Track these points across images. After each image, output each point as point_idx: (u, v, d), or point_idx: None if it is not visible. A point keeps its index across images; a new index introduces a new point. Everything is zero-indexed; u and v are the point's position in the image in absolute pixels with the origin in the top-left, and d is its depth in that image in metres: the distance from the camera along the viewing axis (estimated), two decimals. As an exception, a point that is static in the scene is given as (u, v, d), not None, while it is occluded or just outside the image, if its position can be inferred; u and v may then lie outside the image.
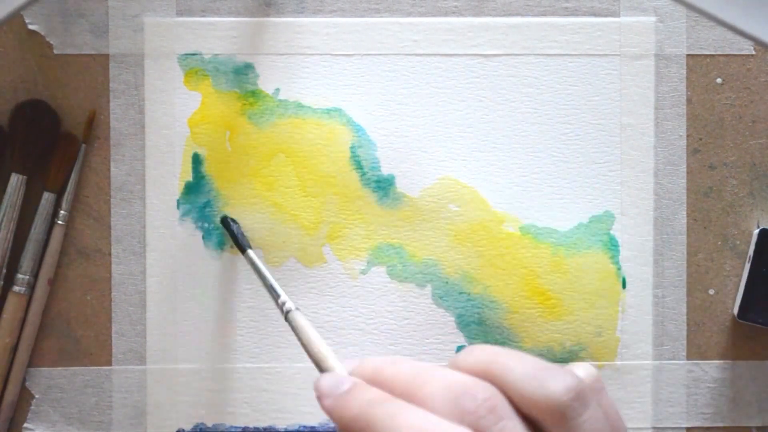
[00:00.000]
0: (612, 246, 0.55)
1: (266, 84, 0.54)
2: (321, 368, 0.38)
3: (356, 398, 0.31)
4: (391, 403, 0.30)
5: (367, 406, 0.30)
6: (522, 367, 0.30)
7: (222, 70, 0.54)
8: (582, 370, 0.32)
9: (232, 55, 0.54)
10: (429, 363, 0.31)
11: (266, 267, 0.49)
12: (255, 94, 0.54)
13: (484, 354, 0.31)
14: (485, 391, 0.30)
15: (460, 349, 0.55)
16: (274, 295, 0.46)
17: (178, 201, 0.54)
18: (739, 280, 0.55)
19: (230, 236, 0.53)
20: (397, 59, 0.55)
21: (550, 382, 0.30)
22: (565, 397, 0.29)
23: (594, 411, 0.30)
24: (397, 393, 0.31)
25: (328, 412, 0.32)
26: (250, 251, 0.51)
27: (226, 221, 0.53)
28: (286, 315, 0.43)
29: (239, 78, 0.54)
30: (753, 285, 0.54)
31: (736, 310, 0.54)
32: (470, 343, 0.55)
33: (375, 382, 0.32)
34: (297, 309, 0.43)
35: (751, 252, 0.54)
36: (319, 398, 0.32)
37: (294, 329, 0.42)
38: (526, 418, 0.30)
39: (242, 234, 0.53)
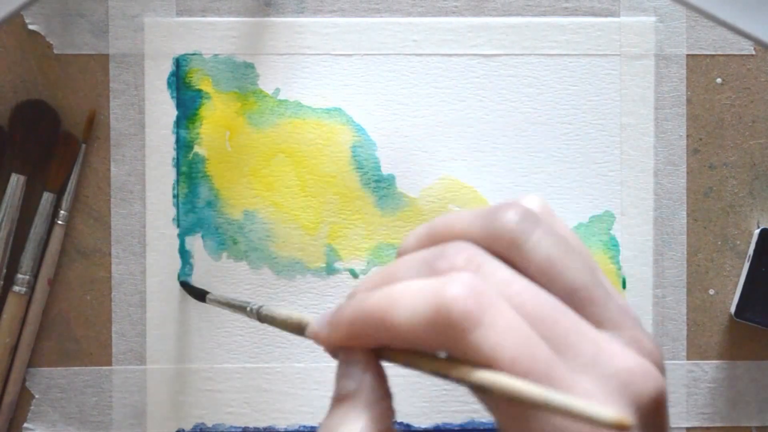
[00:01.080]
0: (612, 246, 0.55)
1: (266, 84, 0.54)
2: (303, 328, 0.35)
3: (345, 309, 0.30)
4: (378, 291, 0.29)
5: (357, 305, 0.29)
6: (463, 216, 0.30)
7: (222, 70, 0.54)
8: (529, 199, 0.31)
9: (232, 55, 0.54)
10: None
11: (224, 297, 0.49)
12: (255, 94, 0.54)
13: (423, 226, 0.31)
14: (454, 245, 0.29)
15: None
16: (242, 310, 0.43)
17: (178, 201, 0.54)
18: (739, 280, 0.55)
19: (189, 293, 0.54)
20: (397, 59, 0.55)
21: (496, 216, 0.29)
22: (511, 223, 0.29)
23: (545, 230, 0.29)
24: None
25: (327, 340, 0.30)
26: (208, 295, 0.51)
27: (184, 284, 0.54)
28: (259, 315, 0.40)
29: (239, 78, 0.54)
30: (751, 284, 0.54)
31: (733, 309, 0.54)
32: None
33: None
34: (262, 305, 0.40)
35: (750, 251, 0.54)
36: (315, 339, 0.31)
37: (270, 320, 0.39)
38: None
39: (192, 286, 0.54)
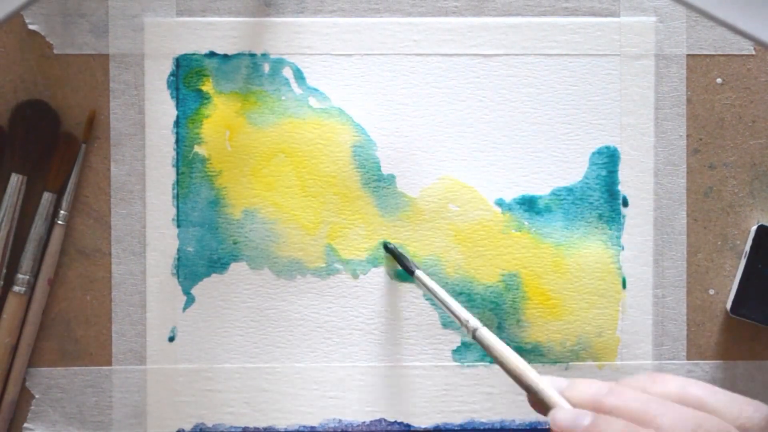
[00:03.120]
0: (612, 246, 0.55)
1: (266, 84, 0.54)
2: (523, 384, 0.40)
3: (609, 429, 0.33)
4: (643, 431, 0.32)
5: None
6: (720, 397, 0.33)
7: (222, 70, 0.54)
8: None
9: (232, 54, 0.54)
10: (650, 397, 0.34)
11: (439, 287, 0.50)
12: (255, 94, 0.54)
13: (676, 383, 0.34)
14: (719, 424, 0.32)
15: (459, 348, 0.55)
16: (455, 316, 0.47)
17: (178, 201, 0.54)
18: (735, 277, 0.55)
19: (397, 260, 0.54)
20: (397, 59, 0.55)
21: (748, 409, 0.33)
22: (763, 423, 0.33)
23: None
24: (635, 424, 0.33)
25: None
26: (418, 272, 0.52)
27: (389, 248, 0.54)
28: (473, 334, 0.44)
29: (239, 78, 0.54)
30: (747, 281, 0.54)
31: (729, 305, 0.54)
32: (469, 342, 0.55)
33: (599, 410, 0.34)
34: (483, 326, 0.44)
35: (747, 248, 0.54)
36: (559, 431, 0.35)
37: (485, 348, 0.43)
38: None
39: (406, 257, 0.53)
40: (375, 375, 0.55)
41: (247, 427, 0.55)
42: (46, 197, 0.53)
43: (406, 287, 0.55)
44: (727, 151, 0.55)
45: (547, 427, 0.55)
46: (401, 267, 0.53)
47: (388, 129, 0.55)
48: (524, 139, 0.55)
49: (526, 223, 0.55)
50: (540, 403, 0.38)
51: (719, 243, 0.55)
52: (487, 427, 0.55)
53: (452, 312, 0.47)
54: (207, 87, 0.54)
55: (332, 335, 0.55)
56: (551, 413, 0.36)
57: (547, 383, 0.38)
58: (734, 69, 0.55)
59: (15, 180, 0.53)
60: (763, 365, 0.55)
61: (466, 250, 0.55)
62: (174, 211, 0.54)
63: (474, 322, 0.45)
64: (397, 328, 0.55)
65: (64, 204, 0.54)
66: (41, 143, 0.53)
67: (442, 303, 0.49)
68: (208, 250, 0.54)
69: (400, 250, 0.54)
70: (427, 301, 0.55)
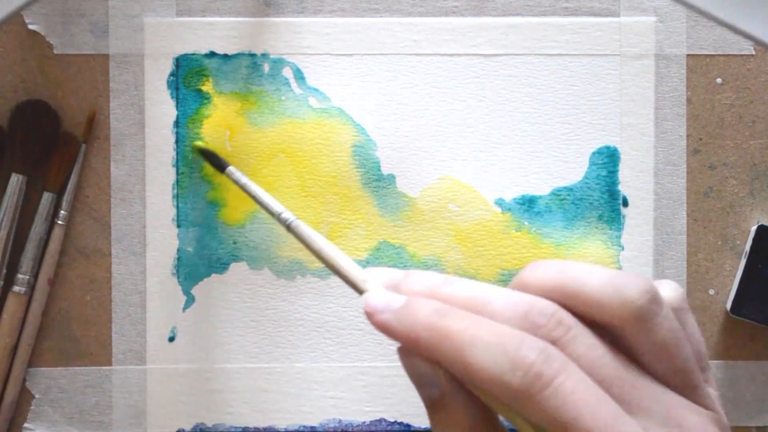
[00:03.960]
0: (612, 246, 0.55)
1: (266, 84, 0.54)
2: (342, 276, 0.36)
3: (420, 310, 0.31)
4: (461, 313, 0.30)
5: (435, 316, 0.30)
6: (596, 278, 0.31)
7: (222, 70, 0.54)
8: (666, 285, 0.33)
9: (232, 54, 0.54)
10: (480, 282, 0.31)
11: (253, 183, 0.48)
12: (255, 94, 0.54)
13: (553, 269, 0.32)
14: (551, 306, 0.30)
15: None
16: (270, 210, 0.44)
17: (178, 201, 0.54)
18: (735, 277, 0.55)
19: (207, 160, 0.52)
20: (397, 59, 0.55)
21: (626, 287, 0.30)
22: (640, 300, 0.30)
23: (666, 315, 0.31)
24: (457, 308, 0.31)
25: (385, 327, 0.31)
26: (230, 168, 0.50)
27: (201, 150, 0.53)
28: (288, 226, 0.42)
29: (239, 78, 0.54)
30: (747, 281, 0.54)
31: (729, 305, 0.54)
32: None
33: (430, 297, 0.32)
34: (296, 219, 0.42)
35: (747, 248, 0.54)
36: (371, 314, 0.32)
37: (301, 241, 0.40)
38: (597, 326, 0.31)
39: (216, 155, 0.52)
40: (375, 375, 0.55)
41: (247, 427, 0.55)
42: (46, 197, 0.53)
43: (406, 287, 0.55)
44: (727, 151, 0.55)
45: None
46: (212, 165, 0.52)
47: (388, 129, 0.55)
48: (524, 139, 0.55)
49: (526, 223, 0.55)
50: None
51: (719, 243, 0.55)
52: (487, 427, 0.55)
53: (264, 206, 0.45)
54: (207, 87, 0.54)
55: (332, 335, 0.55)
56: (364, 296, 0.33)
57: (364, 271, 0.35)
58: (734, 69, 0.55)
59: (15, 180, 0.53)
60: (763, 365, 0.55)
61: (466, 250, 0.55)
62: (174, 211, 0.54)
63: (287, 214, 0.42)
64: (397, 328, 0.55)
65: (64, 204, 0.54)
66: (41, 143, 0.53)
67: (254, 197, 0.46)
68: (208, 250, 0.54)
69: (202, 147, 0.53)
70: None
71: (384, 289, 0.33)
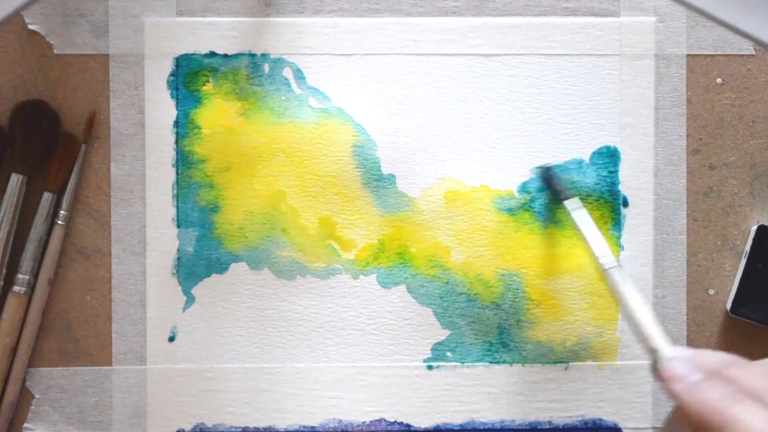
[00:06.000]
0: (612, 246, 0.55)
1: (266, 84, 0.54)
2: (647, 343, 0.40)
3: (712, 390, 0.33)
4: (749, 403, 0.32)
5: (724, 401, 0.32)
6: None
7: (222, 70, 0.54)
8: None
9: (232, 55, 0.54)
10: None
11: (588, 220, 0.50)
12: (255, 94, 0.54)
13: None
14: None
15: (459, 349, 0.55)
16: (592, 248, 0.47)
17: (178, 201, 0.54)
18: (735, 277, 0.55)
19: (547, 183, 0.53)
20: (397, 59, 0.55)
21: None
22: None
23: None
24: (744, 394, 0.33)
25: (677, 395, 0.34)
26: (567, 202, 0.51)
27: (544, 171, 0.54)
28: (603, 270, 0.45)
29: (239, 78, 0.54)
30: (747, 281, 0.54)
31: (729, 305, 0.54)
32: (470, 342, 0.55)
33: (719, 376, 0.34)
34: (617, 266, 0.45)
35: (747, 248, 0.54)
36: (669, 380, 0.35)
37: (611, 287, 0.44)
38: None
39: (560, 179, 0.53)
40: (375, 375, 0.55)
41: (247, 427, 0.55)
42: (46, 197, 0.53)
43: (407, 287, 0.55)
44: (727, 151, 0.55)
45: (547, 427, 0.55)
46: (552, 191, 0.53)
47: (388, 129, 0.55)
48: (524, 139, 0.55)
49: (526, 223, 0.55)
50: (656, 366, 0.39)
51: (719, 243, 0.55)
52: (487, 427, 0.55)
53: (588, 243, 0.48)
54: (207, 87, 0.54)
55: (332, 335, 0.55)
56: (667, 360, 0.36)
57: (674, 349, 0.39)
58: (734, 69, 0.55)
59: (15, 180, 0.53)
60: (763, 365, 0.55)
61: (466, 249, 0.55)
62: (174, 211, 0.54)
63: (607, 259, 0.46)
64: (397, 328, 0.55)
65: (64, 204, 0.54)
66: (41, 143, 0.53)
67: (580, 232, 0.49)
68: (208, 250, 0.54)
69: (549, 168, 0.54)
70: (426, 302, 0.55)
71: (683, 358, 0.36)
